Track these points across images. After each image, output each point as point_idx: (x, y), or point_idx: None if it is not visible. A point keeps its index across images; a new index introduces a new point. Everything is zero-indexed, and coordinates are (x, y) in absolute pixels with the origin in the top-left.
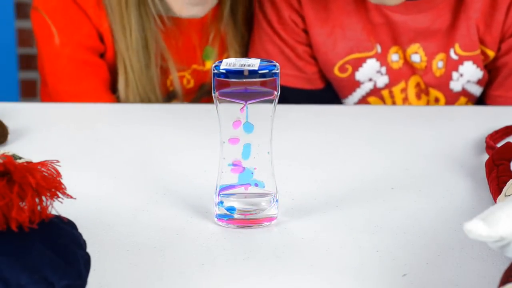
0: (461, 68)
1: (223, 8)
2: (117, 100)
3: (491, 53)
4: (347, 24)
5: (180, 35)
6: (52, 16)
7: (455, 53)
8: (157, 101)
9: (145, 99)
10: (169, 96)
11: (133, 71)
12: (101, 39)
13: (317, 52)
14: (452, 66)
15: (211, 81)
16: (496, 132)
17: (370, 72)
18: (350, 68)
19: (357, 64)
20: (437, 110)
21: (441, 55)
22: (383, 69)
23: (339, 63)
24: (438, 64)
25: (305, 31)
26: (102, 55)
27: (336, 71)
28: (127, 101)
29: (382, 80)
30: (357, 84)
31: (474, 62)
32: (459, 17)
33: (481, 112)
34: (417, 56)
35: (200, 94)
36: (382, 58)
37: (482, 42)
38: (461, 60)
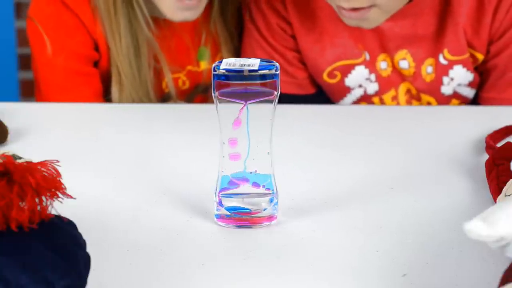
0: (451, 73)
1: (212, 8)
2: None
3: (480, 56)
4: (334, 31)
5: (172, 37)
6: (45, 26)
7: (444, 58)
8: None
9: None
10: (164, 98)
11: (126, 76)
12: (96, 46)
13: (306, 58)
14: (442, 71)
15: (206, 81)
16: (496, 132)
17: (359, 79)
18: (339, 75)
19: (346, 70)
20: (437, 110)
21: (429, 60)
22: (372, 76)
23: (327, 70)
24: (427, 69)
25: (294, 37)
26: (96, 63)
27: (325, 77)
28: None
29: (372, 87)
30: (347, 90)
31: (464, 66)
32: (445, 23)
33: (481, 112)
34: (405, 62)
35: (194, 93)
36: (370, 66)
37: (470, 45)
38: (450, 64)
